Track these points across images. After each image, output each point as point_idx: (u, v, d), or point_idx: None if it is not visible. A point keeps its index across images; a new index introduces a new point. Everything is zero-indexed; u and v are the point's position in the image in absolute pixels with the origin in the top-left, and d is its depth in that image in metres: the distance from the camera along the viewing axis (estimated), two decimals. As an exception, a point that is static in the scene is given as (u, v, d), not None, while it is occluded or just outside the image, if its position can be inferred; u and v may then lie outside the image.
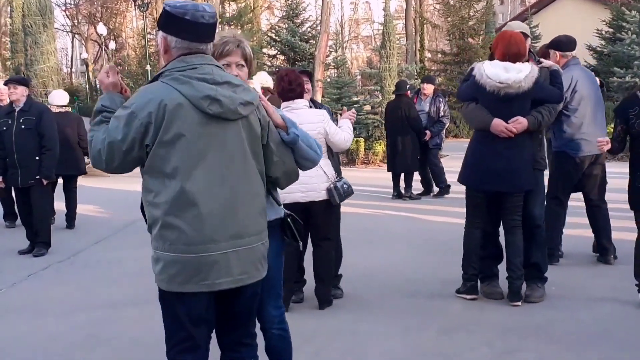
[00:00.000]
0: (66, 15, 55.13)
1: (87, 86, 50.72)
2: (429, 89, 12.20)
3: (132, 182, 13.23)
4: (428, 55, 37.63)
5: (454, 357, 4.61)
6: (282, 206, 3.50)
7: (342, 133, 5.57)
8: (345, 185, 5.49)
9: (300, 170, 3.36)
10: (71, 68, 65.39)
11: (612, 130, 5.70)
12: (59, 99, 10.06)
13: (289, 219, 3.48)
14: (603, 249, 6.85)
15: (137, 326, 5.40)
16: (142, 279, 6.90)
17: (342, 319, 5.41)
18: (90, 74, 55.20)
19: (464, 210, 5.83)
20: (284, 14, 26.72)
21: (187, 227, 2.87)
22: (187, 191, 2.87)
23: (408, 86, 12.64)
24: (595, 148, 5.87)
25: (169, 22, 2.95)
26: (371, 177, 15.07)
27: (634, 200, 5.43)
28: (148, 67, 30.06)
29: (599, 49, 29.26)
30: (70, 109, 10.73)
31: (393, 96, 13.16)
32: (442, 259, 7.08)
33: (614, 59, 24.04)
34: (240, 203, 2.99)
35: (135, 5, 41.55)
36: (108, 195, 12.83)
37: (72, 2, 53.57)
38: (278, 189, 3.44)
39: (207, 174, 2.90)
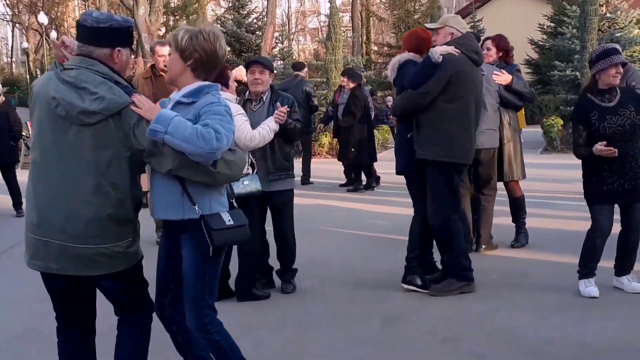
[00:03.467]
0: (6, 3, 53.80)
1: (28, 76, 49.59)
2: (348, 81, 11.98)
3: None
4: (374, 47, 37.79)
5: (397, 345, 4.63)
6: (199, 207, 3.28)
7: (245, 131, 5.20)
8: (245, 182, 5.20)
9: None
10: (11, 58, 63.91)
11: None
12: None
13: (201, 221, 3.28)
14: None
15: (76, 319, 5.29)
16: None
17: (286, 310, 5.39)
18: (31, 63, 53.97)
19: (406, 200, 5.86)
20: (230, 4, 26.55)
21: (27, 210, 3.29)
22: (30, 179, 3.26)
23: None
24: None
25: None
26: (317, 168, 15.07)
27: (592, 195, 5.47)
28: (91, 57, 29.53)
29: (540, 43, 29.82)
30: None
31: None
32: (388, 249, 7.11)
33: (555, 53, 24.49)
34: (68, 205, 3.15)
35: (77, -6, 40.84)
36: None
37: (13, -9, 52.35)
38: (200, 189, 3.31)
39: (45, 169, 3.19)
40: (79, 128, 3.12)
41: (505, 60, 7.06)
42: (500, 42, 7.02)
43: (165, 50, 6.10)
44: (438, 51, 5.39)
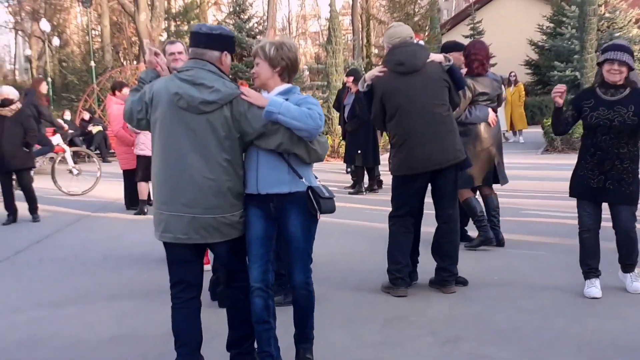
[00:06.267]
0: (9, 11, 53.89)
1: (31, 83, 49.73)
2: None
3: (72, 181, 13.05)
4: (374, 50, 37.86)
5: (397, 346, 4.66)
6: (305, 180, 3.97)
7: None
8: None
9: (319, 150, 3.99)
10: (14, 65, 63.97)
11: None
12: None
13: (309, 192, 3.96)
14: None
15: (78, 325, 5.33)
16: (84, 278, 6.83)
17: (288, 311, 5.39)
18: (34, 70, 54.02)
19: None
20: (231, 9, 26.61)
21: (156, 191, 3.93)
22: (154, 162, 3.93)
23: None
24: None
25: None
26: (319, 169, 15.10)
27: (576, 190, 5.55)
28: (92, 63, 29.54)
29: (540, 43, 29.85)
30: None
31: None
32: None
33: (555, 53, 24.54)
34: (194, 182, 3.78)
35: (78, 2, 40.91)
36: (50, 193, 12.61)
37: (15, -1, 52.41)
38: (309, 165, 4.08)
39: (171, 152, 3.83)
40: (198, 116, 3.78)
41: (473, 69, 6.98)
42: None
43: (176, 47, 6.19)
44: (366, 79, 5.83)
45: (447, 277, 5.81)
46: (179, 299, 4.03)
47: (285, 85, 4.06)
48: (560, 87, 5.44)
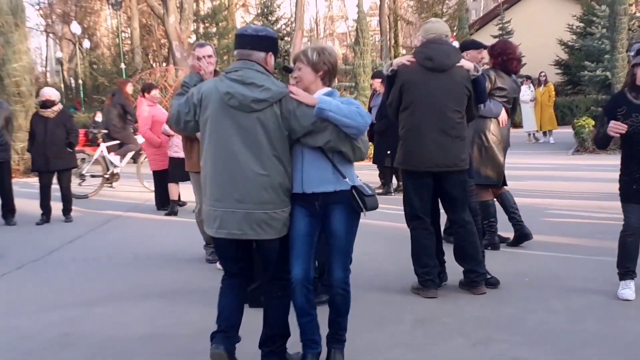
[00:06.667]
0: (40, 14, 54.57)
1: (62, 85, 50.22)
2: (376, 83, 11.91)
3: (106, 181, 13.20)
4: (402, 51, 37.77)
5: (428, 347, 4.65)
6: (349, 179, 4.07)
7: None
8: None
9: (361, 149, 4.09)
10: (46, 67, 64.77)
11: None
12: None
13: (353, 191, 4.05)
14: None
15: (111, 324, 5.39)
16: (116, 276, 6.91)
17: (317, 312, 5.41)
18: (65, 72, 54.66)
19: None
20: (259, 11, 26.75)
21: (208, 188, 4.04)
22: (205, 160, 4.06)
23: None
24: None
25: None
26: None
27: (623, 193, 5.51)
28: (122, 65, 29.85)
29: (570, 43, 29.59)
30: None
31: (367, 92, 13.11)
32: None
33: (585, 53, 24.32)
34: (246, 178, 3.90)
35: (108, 4, 41.28)
36: (83, 193, 12.74)
37: (46, 2, 53.01)
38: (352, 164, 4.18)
39: (222, 150, 3.95)
40: (249, 114, 3.91)
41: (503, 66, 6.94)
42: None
43: (206, 50, 6.24)
44: (393, 64, 5.82)
45: (474, 278, 5.79)
46: (225, 280, 4.27)
47: (327, 89, 4.18)
48: (621, 129, 5.25)
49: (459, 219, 5.78)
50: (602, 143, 5.65)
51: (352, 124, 3.93)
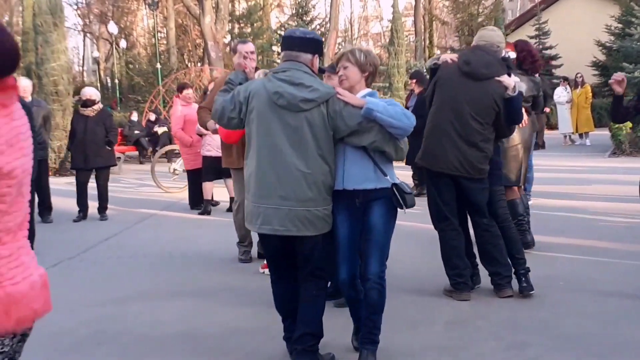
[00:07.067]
0: (78, 14, 55.31)
1: (99, 84, 50.82)
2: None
3: (139, 180, 13.35)
4: (437, 52, 37.56)
5: (461, 350, 4.62)
6: (390, 178, 4.17)
7: None
8: None
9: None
10: (83, 66, 65.53)
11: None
12: None
13: (394, 188, 4.15)
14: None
15: (145, 322, 5.45)
16: (152, 274, 6.98)
17: (345, 313, 5.40)
18: (102, 72, 55.30)
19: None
20: (294, 11, 26.79)
21: (252, 185, 4.13)
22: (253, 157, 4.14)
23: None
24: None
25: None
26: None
27: None
28: (158, 65, 30.07)
29: (608, 44, 29.17)
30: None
31: (401, 92, 13.06)
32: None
33: (623, 55, 23.91)
34: (291, 176, 4.01)
35: (145, 4, 41.67)
36: (118, 191, 12.93)
37: (84, 1, 53.70)
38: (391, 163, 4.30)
39: (269, 148, 4.06)
40: (296, 114, 4.03)
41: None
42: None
43: (249, 47, 6.31)
44: (440, 58, 5.88)
45: (498, 281, 5.74)
46: (275, 284, 4.44)
47: (368, 89, 4.31)
48: (618, 76, 5.29)
49: (481, 223, 5.74)
50: (614, 113, 5.52)
51: (399, 125, 4.04)
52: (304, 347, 4.21)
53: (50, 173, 11.57)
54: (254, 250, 7.30)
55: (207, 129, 6.97)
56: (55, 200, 10.63)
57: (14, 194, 2.21)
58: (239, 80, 4.43)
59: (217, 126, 6.27)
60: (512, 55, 6.09)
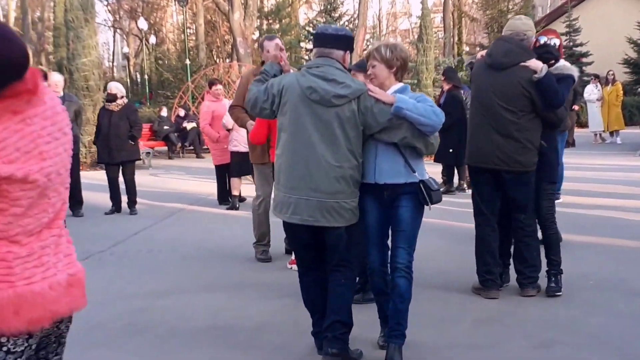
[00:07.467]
0: (108, 10, 55.79)
1: (128, 80, 51.23)
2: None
3: (170, 175, 13.46)
4: (466, 48, 37.37)
5: (489, 348, 4.61)
6: (418, 174, 4.24)
7: None
8: None
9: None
10: (112, 62, 66.08)
11: None
12: None
13: (421, 185, 4.23)
14: None
15: (174, 316, 5.50)
16: (181, 268, 7.04)
17: (365, 309, 5.38)
18: (131, 67, 55.71)
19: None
20: (322, 8, 26.81)
21: (283, 176, 4.22)
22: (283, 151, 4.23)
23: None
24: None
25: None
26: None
27: None
28: (187, 61, 30.22)
29: (640, 41, 28.77)
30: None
31: (429, 89, 13.01)
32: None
33: (656, 52, 23.64)
34: (321, 168, 4.09)
35: (175, 1, 41.87)
36: (148, 186, 13.06)
37: (114, -3, 54.19)
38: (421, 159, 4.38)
39: (300, 141, 4.14)
40: (328, 109, 4.10)
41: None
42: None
43: (274, 43, 6.35)
44: (477, 56, 6.00)
45: (521, 280, 5.72)
46: (303, 277, 4.50)
47: (400, 84, 4.37)
48: None
49: (517, 221, 5.69)
50: None
51: (428, 122, 4.10)
52: (334, 335, 4.23)
53: (81, 167, 11.68)
54: (282, 247, 7.32)
55: (247, 129, 6.93)
56: (86, 195, 10.74)
57: (34, 197, 2.18)
58: (274, 71, 4.49)
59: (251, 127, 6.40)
60: (556, 41, 5.91)
